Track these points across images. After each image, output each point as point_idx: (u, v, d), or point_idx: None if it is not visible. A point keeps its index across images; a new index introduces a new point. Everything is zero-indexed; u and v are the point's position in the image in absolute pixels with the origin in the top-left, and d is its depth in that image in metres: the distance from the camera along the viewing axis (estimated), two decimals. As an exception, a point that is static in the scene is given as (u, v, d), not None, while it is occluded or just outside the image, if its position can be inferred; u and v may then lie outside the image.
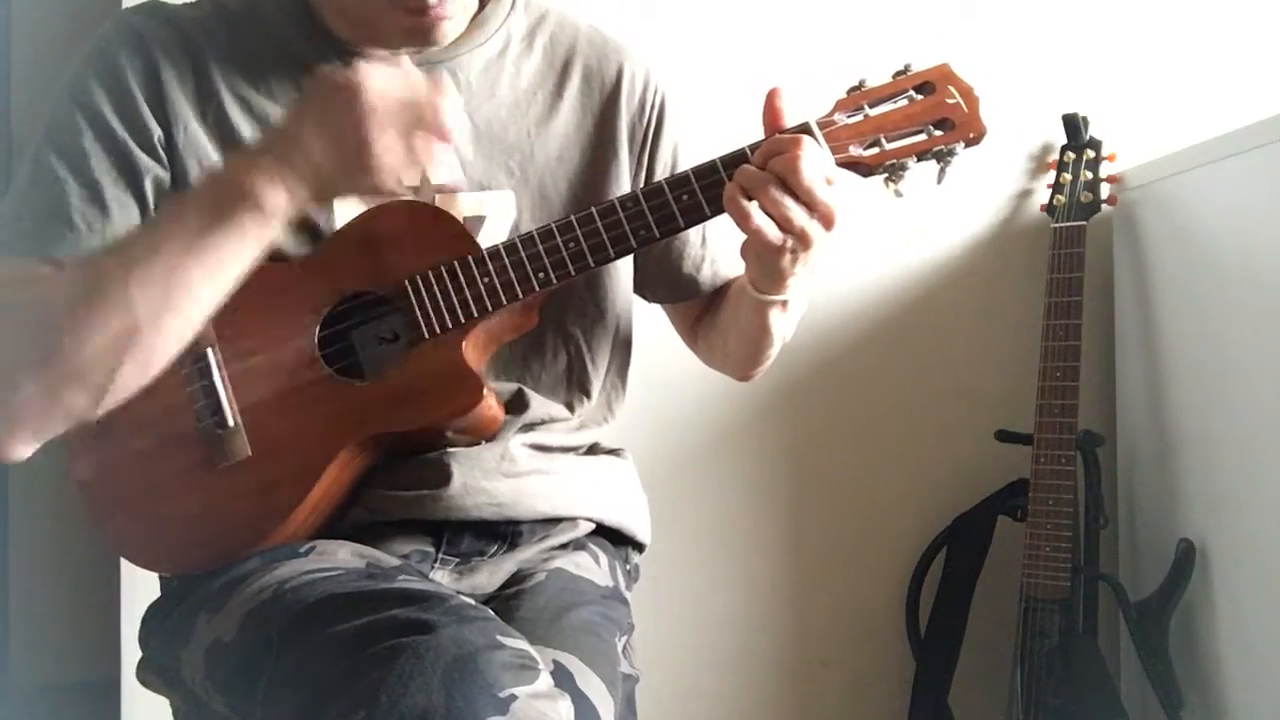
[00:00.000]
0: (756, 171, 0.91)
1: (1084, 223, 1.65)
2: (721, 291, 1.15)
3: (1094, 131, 1.71)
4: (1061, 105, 1.73)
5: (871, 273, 1.77)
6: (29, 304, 0.86)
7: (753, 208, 0.90)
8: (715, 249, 1.14)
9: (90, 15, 1.84)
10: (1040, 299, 1.65)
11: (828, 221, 0.90)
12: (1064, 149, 1.71)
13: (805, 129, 0.94)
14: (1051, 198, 1.70)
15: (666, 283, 1.15)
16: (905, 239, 1.77)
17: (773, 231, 0.90)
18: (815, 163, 0.89)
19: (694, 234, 1.12)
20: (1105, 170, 1.69)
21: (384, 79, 0.86)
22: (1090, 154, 1.69)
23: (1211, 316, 1.55)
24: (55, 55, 1.95)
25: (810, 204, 0.89)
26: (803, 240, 0.90)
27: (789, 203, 0.89)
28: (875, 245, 1.75)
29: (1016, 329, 1.76)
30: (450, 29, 0.98)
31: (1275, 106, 1.50)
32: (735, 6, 1.74)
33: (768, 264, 0.94)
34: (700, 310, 1.18)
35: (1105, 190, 1.68)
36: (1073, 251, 1.63)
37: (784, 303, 1.01)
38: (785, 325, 1.05)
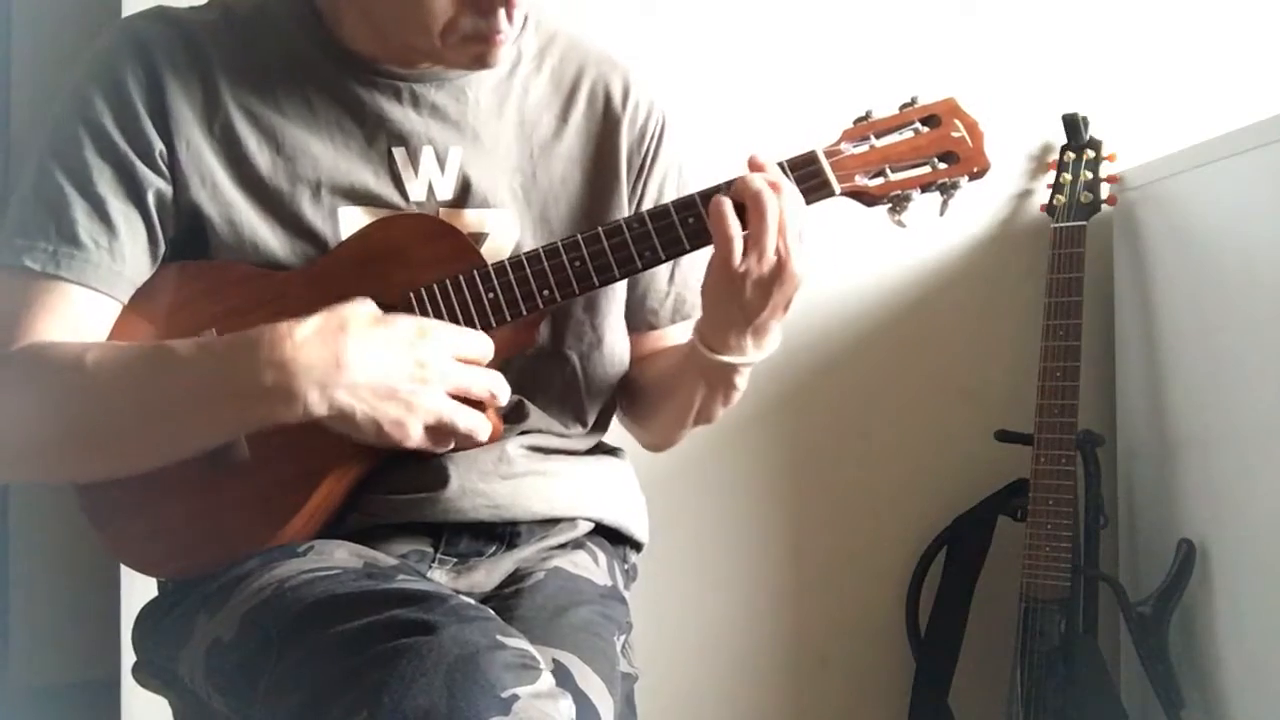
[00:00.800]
0: (752, 188, 0.92)
1: (1084, 223, 1.65)
2: (667, 351, 1.15)
3: (1094, 131, 1.71)
4: (1061, 105, 1.73)
5: (872, 273, 1.77)
6: (38, 394, 0.89)
7: (735, 218, 0.92)
8: (682, 288, 1.15)
9: (91, 18, 1.84)
10: (1040, 299, 1.65)
11: (783, 272, 0.92)
12: (1064, 149, 1.71)
13: (811, 158, 0.96)
14: (1051, 198, 1.70)
15: (637, 309, 1.14)
16: (905, 239, 1.76)
17: (739, 248, 0.92)
18: (797, 213, 0.92)
19: (663, 271, 1.13)
20: (1105, 170, 1.69)
21: (453, 339, 0.88)
22: (1090, 154, 1.69)
23: (1211, 316, 1.55)
24: (56, 58, 1.95)
25: (783, 240, 0.91)
26: (763, 271, 0.92)
27: (770, 225, 0.91)
28: (876, 245, 1.75)
29: (1016, 329, 1.76)
30: (506, 50, 0.98)
31: (1275, 106, 1.50)
32: (735, 10, 1.75)
33: (725, 293, 0.94)
34: (651, 348, 1.17)
35: (1105, 190, 1.68)
36: (1073, 251, 1.63)
37: (725, 387, 1.03)
38: (719, 404, 1.07)
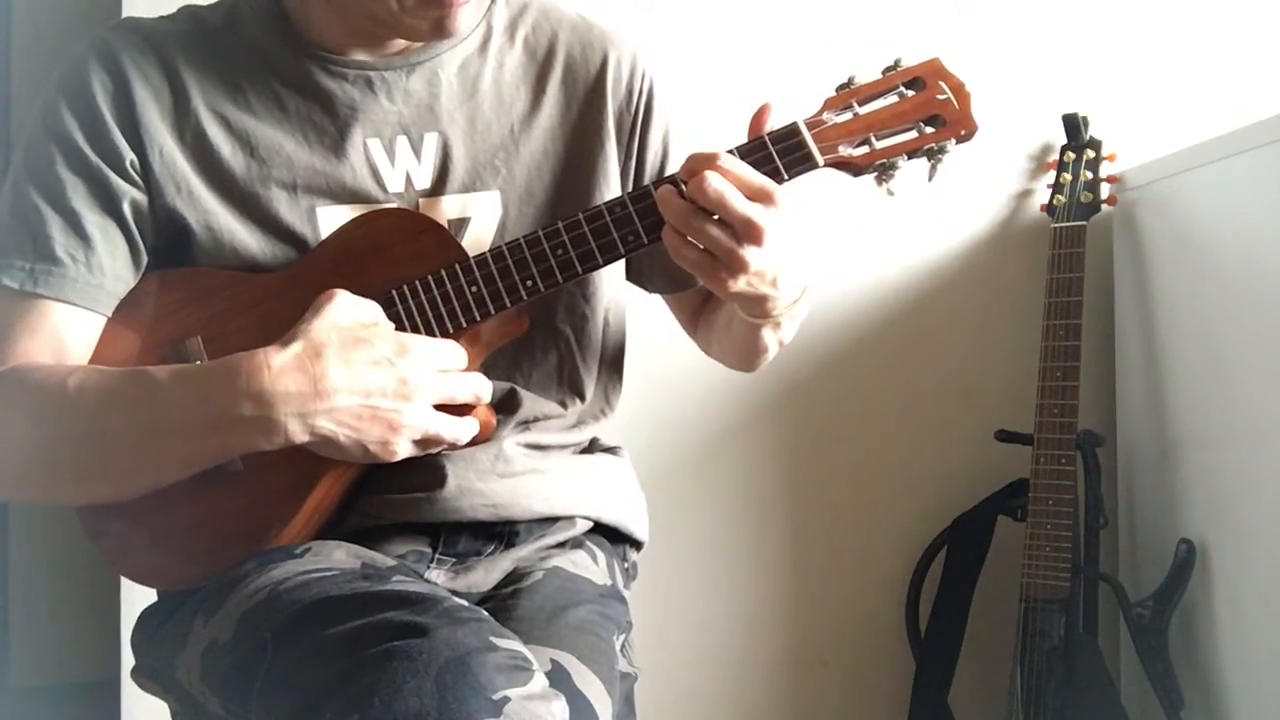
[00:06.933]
0: (678, 202, 0.89)
1: (1084, 223, 1.65)
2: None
3: (1094, 131, 1.71)
4: (1061, 105, 1.73)
5: (872, 273, 1.77)
6: (21, 420, 0.89)
7: (681, 240, 0.89)
8: None
9: (91, 17, 1.85)
10: (1040, 299, 1.65)
11: (749, 234, 0.86)
12: (1064, 149, 1.71)
13: (793, 130, 0.93)
14: (1051, 198, 1.70)
15: (663, 273, 1.13)
16: (905, 239, 1.77)
17: (694, 255, 0.89)
18: (719, 179, 0.86)
19: None
20: (1105, 170, 1.69)
21: (432, 352, 0.88)
22: (1090, 154, 1.69)
23: (1211, 316, 1.55)
24: (56, 58, 1.95)
25: (727, 220, 0.87)
26: (734, 262, 0.88)
27: (708, 228, 0.87)
28: (875, 245, 1.75)
29: (1016, 329, 1.76)
30: (467, 17, 0.95)
31: (1275, 106, 1.50)
32: (729, 6, 1.74)
33: (721, 290, 0.91)
34: (700, 301, 1.16)
35: (1105, 190, 1.68)
36: (1073, 251, 1.63)
37: (774, 323, 0.99)
38: (777, 338, 1.03)
